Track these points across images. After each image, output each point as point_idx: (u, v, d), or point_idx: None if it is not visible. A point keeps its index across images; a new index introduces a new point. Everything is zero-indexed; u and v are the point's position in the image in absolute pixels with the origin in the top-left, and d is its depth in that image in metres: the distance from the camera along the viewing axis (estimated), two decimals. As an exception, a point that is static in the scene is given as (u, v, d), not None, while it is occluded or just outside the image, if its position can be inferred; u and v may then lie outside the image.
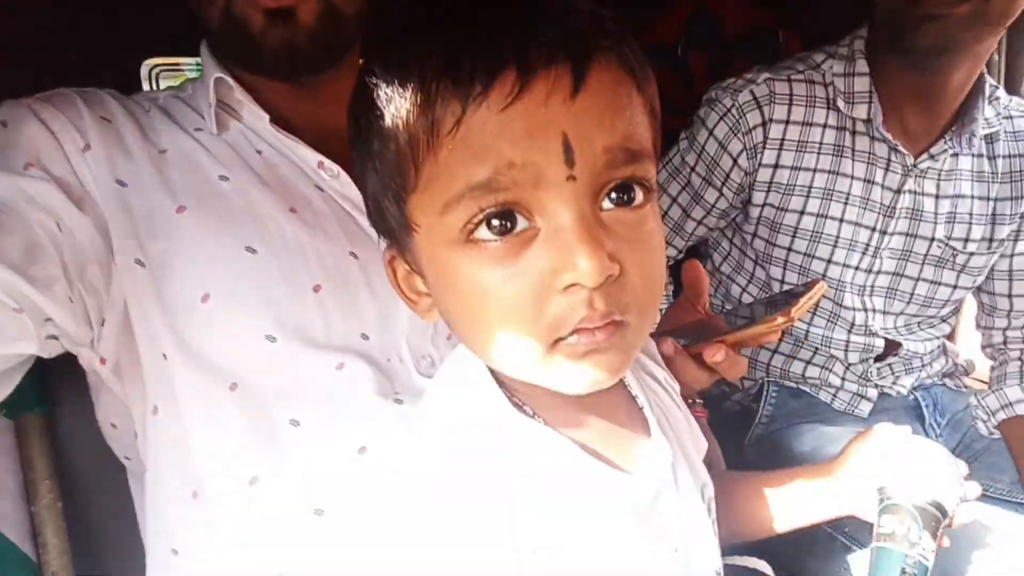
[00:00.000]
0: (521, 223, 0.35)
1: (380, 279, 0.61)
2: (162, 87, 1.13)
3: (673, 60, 1.40)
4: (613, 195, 0.36)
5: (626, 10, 0.37)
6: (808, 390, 1.02)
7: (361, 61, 0.41)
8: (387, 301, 0.61)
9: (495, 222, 0.34)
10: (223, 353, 0.56)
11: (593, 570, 0.40)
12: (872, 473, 0.56)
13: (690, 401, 0.84)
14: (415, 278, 0.42)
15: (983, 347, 1.08)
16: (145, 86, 1.05)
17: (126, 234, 0.56)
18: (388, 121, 0.36)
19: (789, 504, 0.60)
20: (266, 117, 0.62)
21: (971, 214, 0.96)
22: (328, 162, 0.62)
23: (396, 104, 0.35)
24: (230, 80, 0.61)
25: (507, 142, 0.33)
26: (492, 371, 0.42)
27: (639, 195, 0.37)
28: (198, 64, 0.67)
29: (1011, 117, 0.96)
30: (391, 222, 0.40)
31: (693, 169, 0.99)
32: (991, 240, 0.97)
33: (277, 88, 0.64)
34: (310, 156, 0.63)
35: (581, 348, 0.36)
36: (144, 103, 0.64)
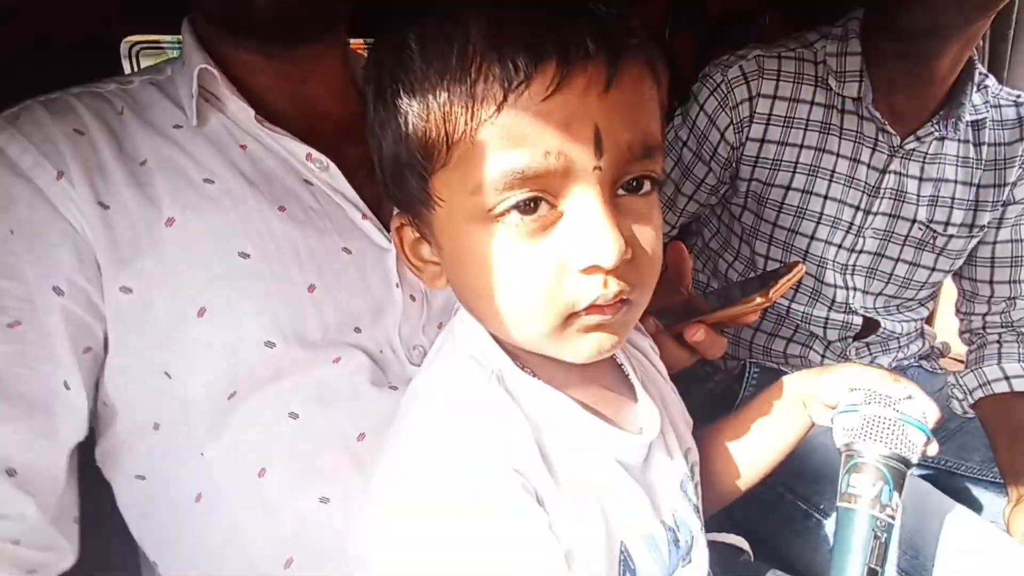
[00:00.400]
0: (544, 206, 0.37)
1: (373, 273, 0.61)
2: (142, 65, 1.12)
3: (660, 44, 1.39)
4: (625, 184, 0.39)
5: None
6: (788, 370, 1.03)
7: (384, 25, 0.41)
8: (380, 294, 0.61)
9: (522, 204, 0.37)
10: (221, 364, 0.55)
11: (592, 523, 0.42)
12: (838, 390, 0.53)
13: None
14: (423, 246, 0.45)
15: (961, 333, 1.10)
16: (125, 64, 1.03)
17: (111, 261, 0.54)
18: (421, 96, 0.37)
19: (766, 426, 0.59)
20: (252, 112, 0.59)
21: (953, 198, 0.97)
22: (316, 154, 0.60)
23: (433, 81, 0.36)
24: (215, 71, 0.58)
25: (544, 131, 0.35)
26: (494, 337, 0.45)
27: (648, 185, 0.40)
28: (178, 41, 0.64)
29: (999, 106, 0.97)
30: (409, 192, 0.41)
31: (685, 144, 1.00)
32: (972, 225, 0.98)
33: (262, 69, 0.62)
34: (298, 149, 0.60)
35: (591, 323, 0.40)
36: (116, 101, 0.60)
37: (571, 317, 0.39)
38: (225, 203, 0.57)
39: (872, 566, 0.46)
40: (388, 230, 0.61)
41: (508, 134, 0.35)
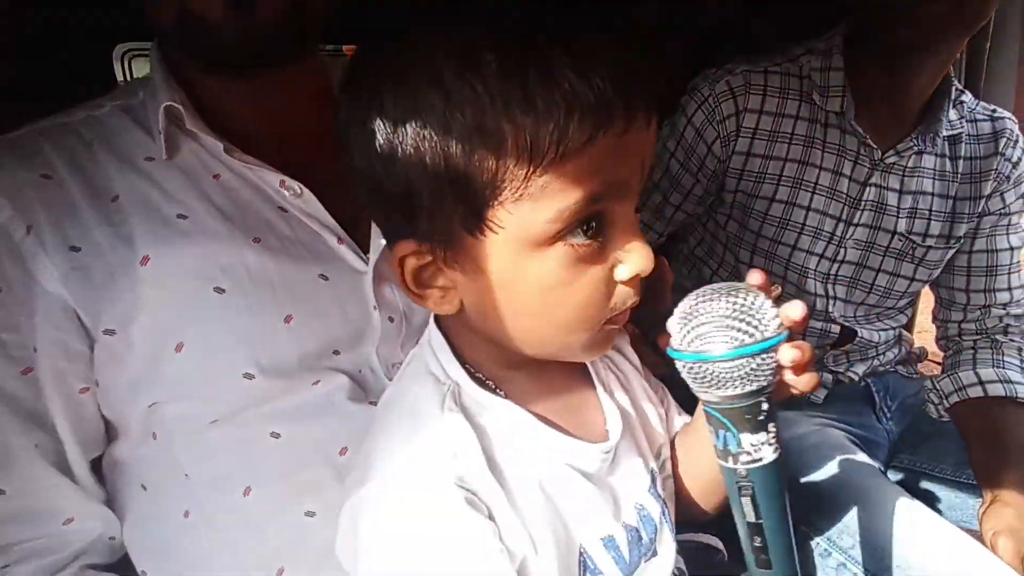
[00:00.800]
0: (599, 227, 0.41)
1: (350, 297, 0.61)
2: (134, 71, 1.12)
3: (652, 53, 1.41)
4: None
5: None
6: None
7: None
8: (358, 318, 0.61)
9: (588, 227, 0.41)
10: (200, 396, 0.56)
11: (545, 531, 0.44)
12: None
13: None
14: (430, 272, 0.44)
15: (938, 339, 1.12)
16: (117, 69, 1.04)
17: (90, 305, 0.55)
18: (497, 124, 0.37)
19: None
20: (220, 146, 0.59)
21: (931, 211, 1.00)
22: (290, 181, 0.60)
23: (517, 110, 0.37)
24: (182, 108, 0.58)
25: (618, 163, 0.40)
26: (457, 355, 0.47)
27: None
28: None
29: (975, 120, 1.00)
30: (442, 221, 0.41)
31: (672, 155, 1.02)
32: (949, 237, 1.01)
33: (232, 94, 0.62)
34: (271, 177, 0.60)
35: (614, 325, 0.45)
36: (85, 131, 0.59)
37: (606, 323, 0.44)
38: (199, 239, 0.57)
39: (751, 521, 0.42)
40: (365, 252, 0.62)
41: (590, 166, 0.38)
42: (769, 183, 0.98)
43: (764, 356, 0.39)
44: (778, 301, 0.42)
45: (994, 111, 1.02)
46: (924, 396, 1.06)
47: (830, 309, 1.02)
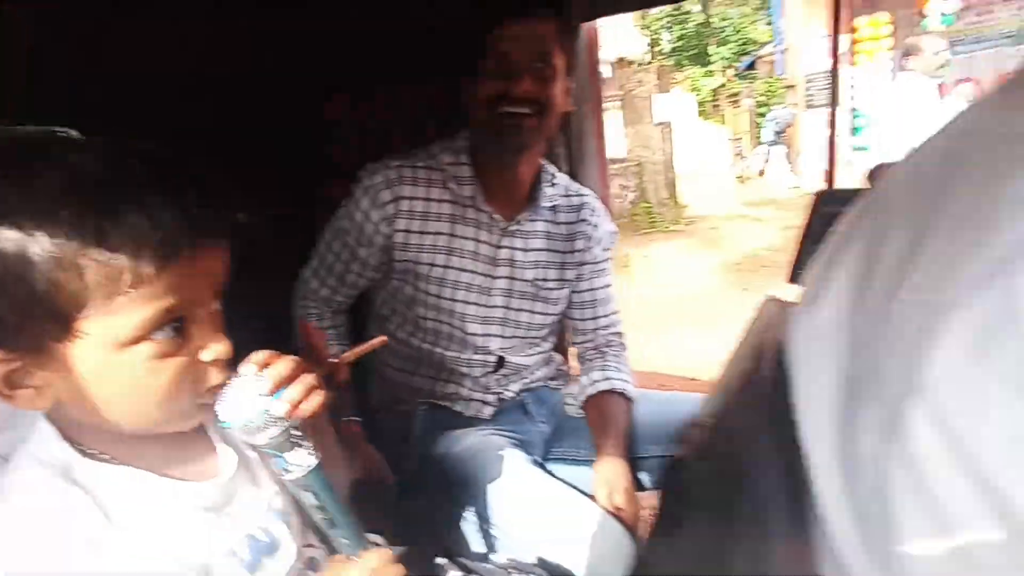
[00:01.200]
0: (179, 327, 0.52)
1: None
2: None
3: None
4: None
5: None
6: (447, 404, 1.30)
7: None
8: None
9: (169, 327, 0.51)
10: None
11: (162, 563, 0.54)
12: None
13: (345, 419, 1.02)
14: (20, 375, 0.50)
15: (576, 356, 1.50)
16: None
17: None
18: (73, 267, 0.45)
19: None
20: None
21: (547, 262, 1.36)
22: None
23: (92, 254, 0.45)
24: None
25: (190, 284, 0.51)
26: (67, 436, 0.54)
27: None
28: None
29: (568, 195, 1.40)
30: (24, 335, 0.47)
31: (348, 232, 1.23)
32: (562, 280, 1.38)
33: None
34: None
35: (205, 400, 0.55)
36: None
37: (198, 397, 0.55)
38: None
39: (315, 504, 0.57)
40: None
41: (163, 289, 0.49)
42: (428, 252, 1.24)
43: (265, 411, 0.54)
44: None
45: (579, 188, 1.43)
46: (564, 400, 1.40)
47: (488, 345, 1.31)
